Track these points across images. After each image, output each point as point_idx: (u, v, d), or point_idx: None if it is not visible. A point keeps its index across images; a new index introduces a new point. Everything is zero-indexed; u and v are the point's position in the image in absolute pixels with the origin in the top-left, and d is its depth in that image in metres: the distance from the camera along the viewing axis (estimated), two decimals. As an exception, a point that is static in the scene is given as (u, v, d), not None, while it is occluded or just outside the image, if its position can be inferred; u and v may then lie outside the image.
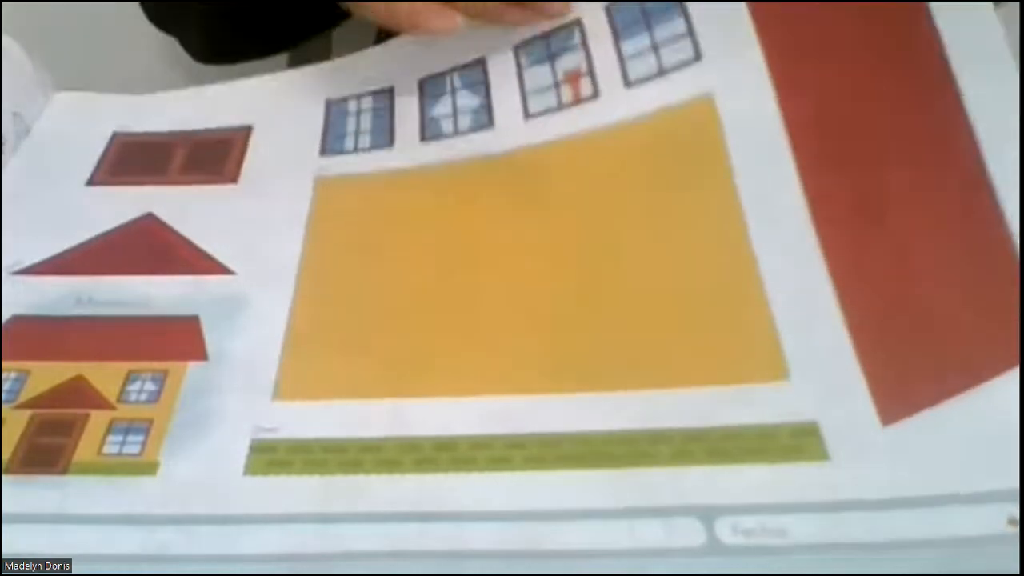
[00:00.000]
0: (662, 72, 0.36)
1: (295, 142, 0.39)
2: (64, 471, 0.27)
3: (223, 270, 0.34)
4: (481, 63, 0.39)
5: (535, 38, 0.38)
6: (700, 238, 0.33)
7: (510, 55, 0.38)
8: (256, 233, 0.35)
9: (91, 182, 0.39)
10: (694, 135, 0.35)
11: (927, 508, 0.25)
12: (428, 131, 0.38)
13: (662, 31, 0.36)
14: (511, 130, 0.37)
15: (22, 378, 0.30)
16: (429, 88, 0.39)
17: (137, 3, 0.50)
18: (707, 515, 0.26)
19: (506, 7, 0.36)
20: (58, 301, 0.33)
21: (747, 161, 0.33)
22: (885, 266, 0.30)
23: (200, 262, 0.34)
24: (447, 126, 0.38)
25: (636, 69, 0.36)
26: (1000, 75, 0.31)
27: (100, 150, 0.40)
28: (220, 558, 0.25)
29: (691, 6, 0.36)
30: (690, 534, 0.25)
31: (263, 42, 0.50)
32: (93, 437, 0.28)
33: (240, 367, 0.30)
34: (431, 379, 0.30)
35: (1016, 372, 0.27)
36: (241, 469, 0.27)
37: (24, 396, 0.29)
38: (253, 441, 0.28)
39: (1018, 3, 0.34)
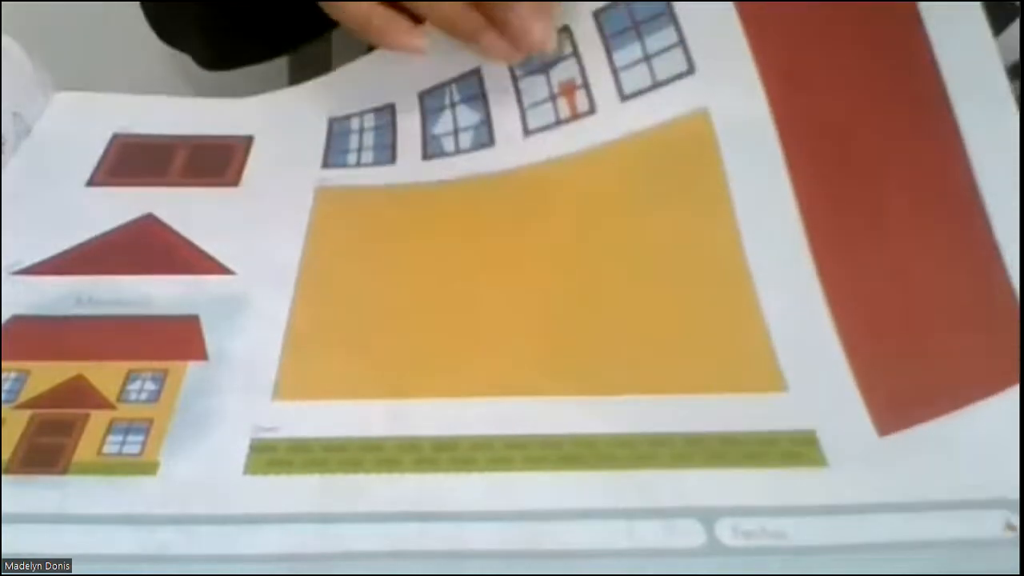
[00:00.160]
0: (656, 85, 0.36)
1: (297, 153, 0.40)
2: (64, 471, 0.27)
3: (223, 270, 0.34)
4: (477, 73, 0.39)
5: None
6: (696, 252, 0.33)
7: (504, 65, 0.38)
8: (256, 234, 0.35)
9: (91, 182, 0.39)
10: (690, 150, 0.35)
11: (925, 512, 0.26)
12: (430, 149, 0.39)
13: (653, 41, 0.37)
14: (511, 148, 0.38)
15: (22, 378, 0.30)
16: (429, 103, 0.39)
17: (137, 3, 0.50)
18: (707, 517, 0.26)
19: (480, 29, 0.35)
20: (58, 301, 0.33)
21: (742, 176, 0.34)
22: (879, 282, 0.31)
23: (200, 262, 0.34)
24: (449, 144, 0.39)
25: (630, 82, 0.37)
26: (994, 91, 0.31)
27: (100, 150, 0.40)
28: (220, 558, 0.25)
29: (681, 14, 0.36)
30: (690, 535, 0.25)
31: (265, 45, 0.50)
32: (93, 437, 0.28)
33: (240, 367, 0.30)
34: (431, 379, 0.30)
35: (1015, 391, 0.27)
36: (241, 469, 0.27)
37: (24, 396, 0.29)
38: (253, 441, 0.28)
39: (1018, 24, 0.34)
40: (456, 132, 0.39)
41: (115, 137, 0.41)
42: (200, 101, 0.43)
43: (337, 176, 0.38)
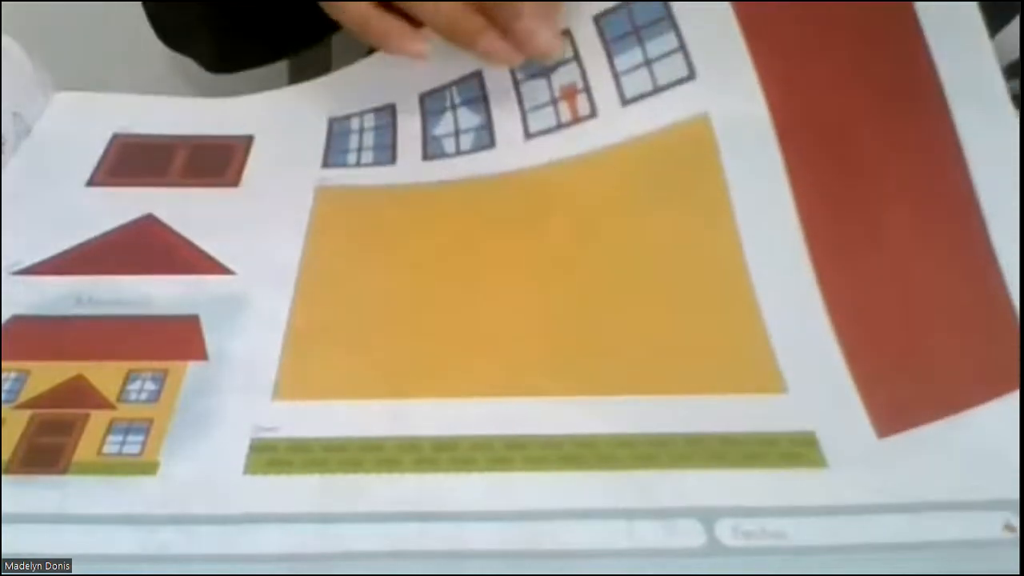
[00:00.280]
0: (657, 90, 0.36)
1: (297, 153, 0.40)
2: (64, 471, 0.27)
3: (223, 270, 0.34)
4: (478, 76, 0.39)
5: None
6: (696, 255, 0.33)
7: (506, 68, 0.38)
8: (256, 234, 0.35)
9: (91, 182, 0.39)
10: (690, 155, 0.35)
11: (924, 513, 0.26)
12: (430, 150, 0.39)
13: (654, 46, 0.37)
14: (512, 150, 0.38)
15: (22, 378, 0.30)
16: (430, 104, 0.40)
17: (136, 3, 0.50)
18: (707, 517, 0.26)
19: (481, 32, 0.35)
20: (58, 301, 0.33)
21: (742, 180, 0.34)
22: (877, 285, 0.31)
23: (200, 262, 0.34)
24: (449, 146, 0.39)
25: (631, 86, 0.37)
26: (992, 93, 0.31)
27: (100, 150, 0.40)
28: (220, 558, 0.25)
29: (681, 19, 0.36)
30: (690, 535, 0.25)
31: (268, 48, 0.50)
32: (93, 437, 0.28)
33: (240, 367, 0.30)
34: (431, 379, 0.30)
35: (1015, 396, 0.27)
36: (241, 469, 0.27)
37: (24, 396, 0.29)
38: (253, 440, 0.28)
39: (1018, 29, 0.34)
40: (457, 134, 0.39)
41: (115, 137, 0.41)
42: (200, 101, 0.43)
43: (337, 176, 0.38)
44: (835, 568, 0.25)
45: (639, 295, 0.32)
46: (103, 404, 0.29)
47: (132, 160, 0.40)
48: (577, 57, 0.38)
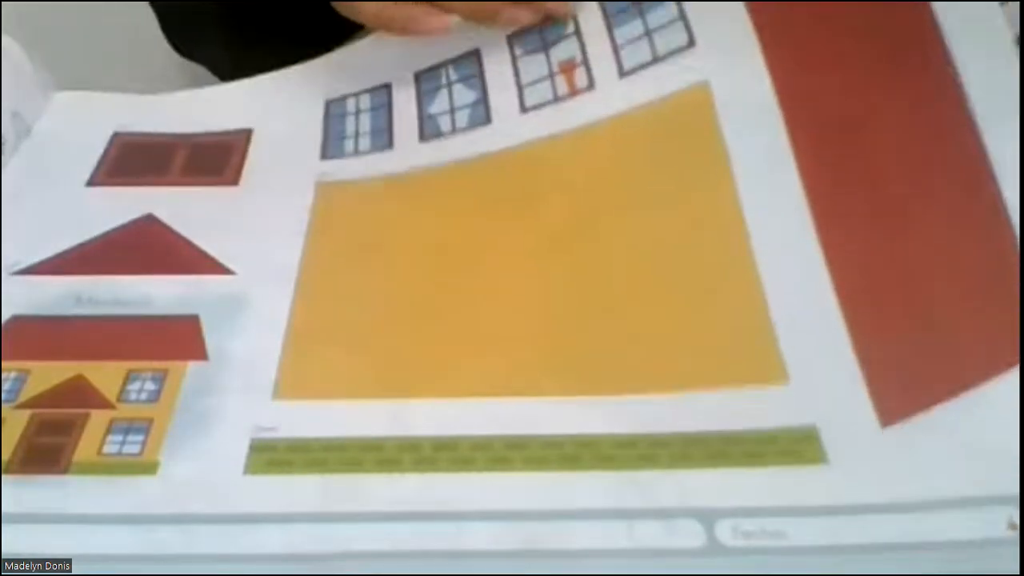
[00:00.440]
0: (656, 59, 0.36)
1: (295, 146, 0.39)
2: (64, 471, 0.27)
3: (223, 270, 0.34)
4: (476, 54, 0.39)
5: (528, 28, 0.39)
6: (699, 234, 0.33)
7: (504, 45, 0.38)
8: (256, 233, 0.35)
9: (91, 182, 0.39)
10: (690, 124, 0.35)
11: (926, 512, 0.25)
12: (427, 130, 0.39)
13: (654, 17, 0.36)
14: (508, 125, 0.37)
15: (22, 378, 0.30)
16: (425, 82, 0.39)
17: (137, 3, 0.50)
18: (707, 517, 0.26)
19: (501, 6, 0.36)
20: (58, 301, 0.33)
21: (743, 148, 0.33)
22: (885, 262, 0.30)
23: (200, 262, 0.34)
24: (445, 124, 0.38)
25: (630, 57, 0.37)
26: (1002, 69, 0.30)
27: (100, 150, 0.40)
28: (220, 558, 0.25)
29: None
30: (690, 535, 0.25)
31: (284, 54, 0.50)
32: (93, 437, 0.28)
33: (240, 367, 0.30)
34: (431, 379, 0.30)
35: (1015, 372, 0.27)
36: (241, 468, 0.27)
37: (24, 396, 0.29)
38: (253, 440, 0.28)
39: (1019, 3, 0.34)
40: (452, 111, 0.39)
41: (115, 137, 0.41)
42: (197, 91, 0.43)
43: (336, 168, 0.38)
44: (835, 568, 0.25)
45: (638, 270, 0.32)
46: (103, 404, 0.29)
47: (132, 160, 0.40)
48: (577, 32, 0.38)
